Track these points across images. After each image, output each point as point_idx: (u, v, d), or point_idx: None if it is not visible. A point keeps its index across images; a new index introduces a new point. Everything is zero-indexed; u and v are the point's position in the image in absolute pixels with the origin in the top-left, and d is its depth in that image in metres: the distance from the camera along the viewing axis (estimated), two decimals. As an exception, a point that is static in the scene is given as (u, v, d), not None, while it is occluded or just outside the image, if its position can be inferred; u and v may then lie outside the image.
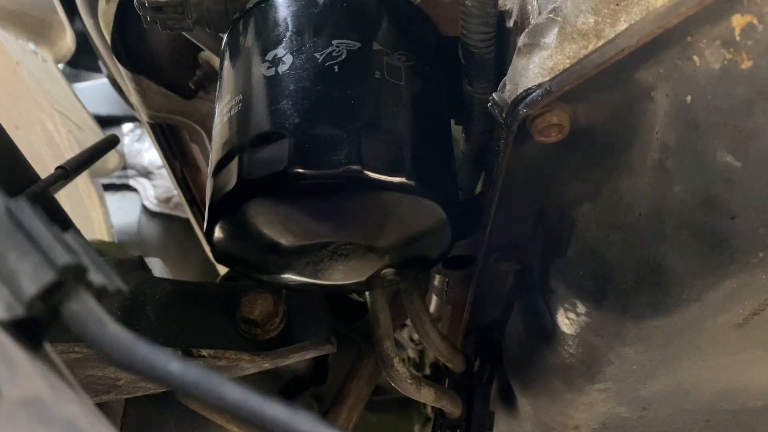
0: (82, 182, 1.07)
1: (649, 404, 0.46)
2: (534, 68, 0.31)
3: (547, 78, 0.30)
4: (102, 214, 1.12)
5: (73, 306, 0.19)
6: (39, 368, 0.19)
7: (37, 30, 1.02)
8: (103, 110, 1.32)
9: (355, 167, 0.32)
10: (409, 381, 0.49)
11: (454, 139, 0.42)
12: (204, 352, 0.46)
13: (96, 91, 1.34)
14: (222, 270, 0.82)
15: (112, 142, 0.58)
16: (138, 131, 1.41)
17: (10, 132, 0.47)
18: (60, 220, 0.52)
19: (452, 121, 0.44)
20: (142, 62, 0.64)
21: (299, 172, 0.33)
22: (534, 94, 0.30)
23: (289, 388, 0.59)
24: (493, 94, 0.33)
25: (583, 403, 0.45)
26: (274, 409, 0.18)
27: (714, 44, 0.28)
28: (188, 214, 0.88)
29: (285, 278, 0.41)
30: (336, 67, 0.35)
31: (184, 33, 0.46)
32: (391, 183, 0.33)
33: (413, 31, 0.41)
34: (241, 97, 0.37)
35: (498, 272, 0.45)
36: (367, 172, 0.33)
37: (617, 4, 0.28)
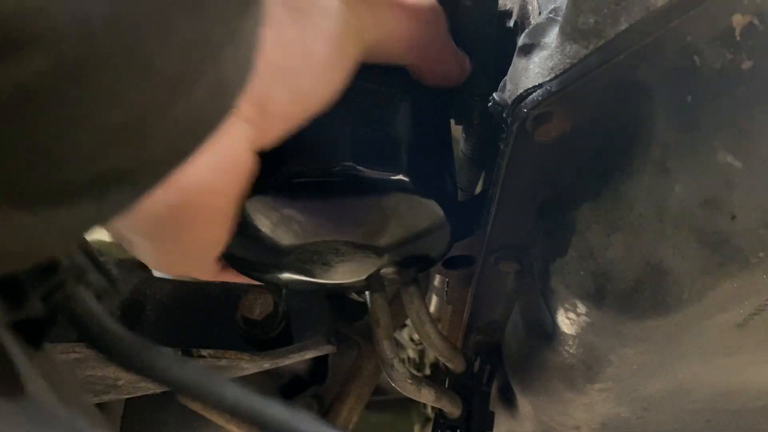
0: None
1: (650, 404, 0.46)
2: (534, 68, 0.31)
3: (548, 78, 0.30)
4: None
5: (73, 306, 0.19)
6: (39, 368, 0.19)
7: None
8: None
9: (352, 165, 0.32)
10: (409, 381, 0.49)
11: (454, 139, 0.42)
12: (204, 352, 0.46)
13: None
14: (222, 270, 0.81)
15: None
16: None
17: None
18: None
19: (452, 121, 0.44)
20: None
21: (295, 170, 0.33)
22: (534, 94, 0.30)
23: (289, 388, 0.59)
24: (494, 94, 0.33)
25: (583, 403, 0.45)
26: (274, 409, 0.18)
27: (714, 44, 0.28)
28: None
29: (285, 278, 0.41)
30: None
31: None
32: (390, 181, 0.33)
33: None
34: None
35: (498, 272, 0.45)
36: (365, 171, 0.33)
37: (618, 4, 0.28)
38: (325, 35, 0.29)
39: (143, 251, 0.32)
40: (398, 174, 0.34)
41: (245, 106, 0.27)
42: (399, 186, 0.34)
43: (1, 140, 0.13)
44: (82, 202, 0.15)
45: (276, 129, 0.29)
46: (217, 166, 0.27)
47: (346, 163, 0.32)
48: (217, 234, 0.31)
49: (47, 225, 0.15)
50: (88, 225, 0.16)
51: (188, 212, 0.28)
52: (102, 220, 0.17)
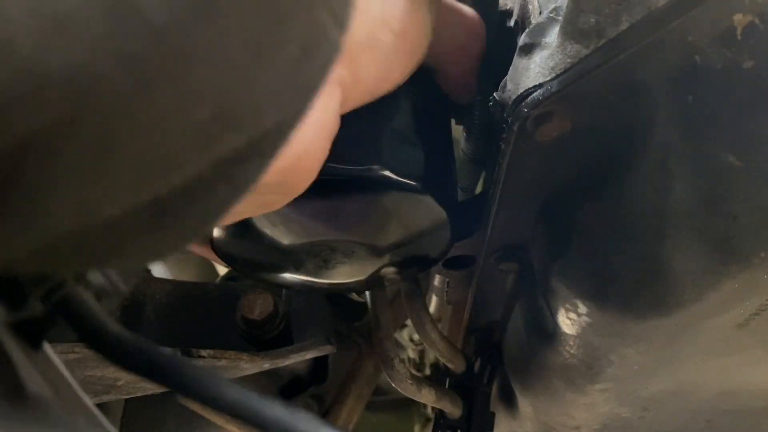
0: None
1: (650, 405, 0.46)
2: (535, 68, 0.31)
3: (548, 78, 0.30)
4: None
5: (73, 306, 0.19)
6: (39, 368, 0.19)
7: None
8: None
9: (352, 164, 0.32)
10: (409, 381, 0.49)
11: (454, 139, 0.42)
12: (204, 352, 0.46)
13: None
14: (222, 270, 0.82)
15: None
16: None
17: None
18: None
19: (452, 121, 0.44)
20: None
21: None
22: (535, 93, 0.30)
23: (289, 388, 0.59)
24: (494, 94, 0.32)
25: (584, 403, 0.45)
26: (274, 410, 0.18)
27: (716, 44, 0.28)
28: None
29: (285, 278, 0.41)
30: None
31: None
32: (390, 180, 0.33)
33: None
34: None
35: (499, 272, 0.45)
36: (365, 170, 0.33)
37: (618, 4, 0.28)
38: (411, 16, 0.30)
39: None
40: (398, 172, 0.34)
41: (343, 68, 0.27)
42: (399, 185, 0.34)
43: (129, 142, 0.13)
44: (215, 187, 0.16)
45: (358, 99, 0.29)
46: (322, 127, 0.27)
47: (346, 162, 0.32)
48: (299, 193, 0.31)
49: (199, 210, 0.16)
50: (227, 206, 0.17)
51: (296, 176, 0.27)
52: (239, 197, 0.17)
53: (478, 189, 0.53)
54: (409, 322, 0.77)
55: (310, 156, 0.27)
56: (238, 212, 0.30)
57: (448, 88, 0.39)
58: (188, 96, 0.13)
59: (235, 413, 0.18)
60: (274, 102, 0.15)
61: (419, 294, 0.48)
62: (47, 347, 0.21)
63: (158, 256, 0.17)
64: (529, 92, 0.31)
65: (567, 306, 0.37)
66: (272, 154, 0.17)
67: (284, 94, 0.16)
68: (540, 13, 0.34)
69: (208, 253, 0.39)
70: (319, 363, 0.59)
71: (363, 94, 0.30)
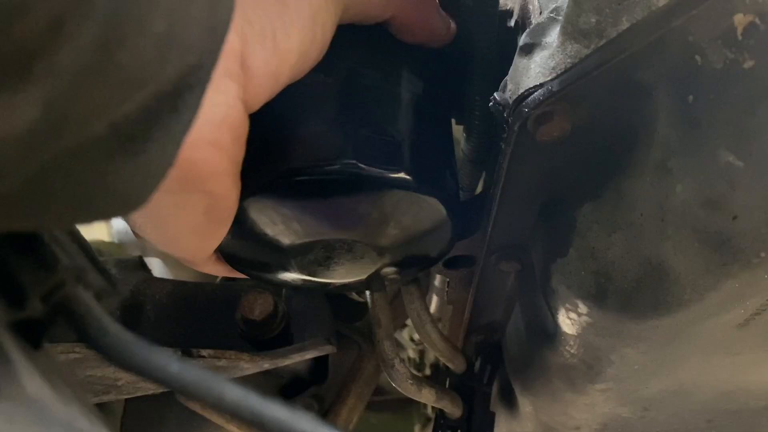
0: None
1: (651, 404, 0.46)
2: (535, 68, 0.31)
3: (549, 78, 0.30)
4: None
5: (73, 306, 0.19)
6: (39, 368, 0.19)
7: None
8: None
9: (353, 163, 0.32)
10: (409, 381, 0.49)
11: (455, 139, 0.42)
12: (204, 352, 0.46)
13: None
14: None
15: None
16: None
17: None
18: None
19: (453, 121, 0.44)
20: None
21: (296, 168, 0.32)
22: (536, 93, 0.30)
23: (289, 388, 0.59)
24: (495, 94, 0.32)
25: (584, 403, 0.45)
26: (274, 410, 0.18)
27: (716, 44, 0.28)
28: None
29: (286, 277, 0.41)
30: None
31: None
32: (391, 179, 0.33)
33: None
34: None
35: (499, 272, 0.45)
36: (365, 168, 0.33)
37: (619, 4, 0.28)
38: None
39: (152, 226, 0.32)
40: (400, 172, 0.34)
41: (229, 62, 0.27)
42: (401, 184, 0.34)
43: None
44: (163, 115, 0.17)
45: (261, 85, 0.29)
46: (212, 119, 0.27)
47: (347, 161, 0.32)
48: (225, 195, 0.31)
49: (157, 138, 0.17)
50: (181, 134, 0.18)
51: (194, 169, 0.28)
52: (188, 126, 0.19)
53: (479, 189, 0.53)
54: (409, 322, 0.77)
55: (207, 147, 0.28)
56: (187, 225, 0.31)
57: (412, 38, 0.37)
58: (152, 7, 0.14)
59: (235, 413, 0.18)
60: (198, 36, 0.17)
61: (419, 294, 0.48)
62: (47, 347, 0.21)
63: (137, 190, 0.18)
64: (529, 92, 0.31)
65: (567, 306, 0.37)
66: (200, 90, 0.18)
67: (204, 31, 0.17)
68: (540, 13, 0.34)
69: (230, 272, 0.40)
70: (319, 363, 0.59)
71: (265, 79, 0.29)
